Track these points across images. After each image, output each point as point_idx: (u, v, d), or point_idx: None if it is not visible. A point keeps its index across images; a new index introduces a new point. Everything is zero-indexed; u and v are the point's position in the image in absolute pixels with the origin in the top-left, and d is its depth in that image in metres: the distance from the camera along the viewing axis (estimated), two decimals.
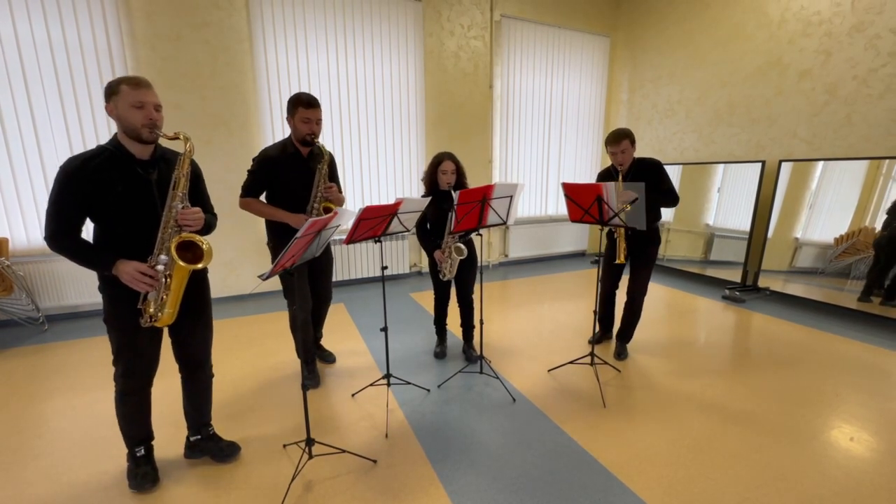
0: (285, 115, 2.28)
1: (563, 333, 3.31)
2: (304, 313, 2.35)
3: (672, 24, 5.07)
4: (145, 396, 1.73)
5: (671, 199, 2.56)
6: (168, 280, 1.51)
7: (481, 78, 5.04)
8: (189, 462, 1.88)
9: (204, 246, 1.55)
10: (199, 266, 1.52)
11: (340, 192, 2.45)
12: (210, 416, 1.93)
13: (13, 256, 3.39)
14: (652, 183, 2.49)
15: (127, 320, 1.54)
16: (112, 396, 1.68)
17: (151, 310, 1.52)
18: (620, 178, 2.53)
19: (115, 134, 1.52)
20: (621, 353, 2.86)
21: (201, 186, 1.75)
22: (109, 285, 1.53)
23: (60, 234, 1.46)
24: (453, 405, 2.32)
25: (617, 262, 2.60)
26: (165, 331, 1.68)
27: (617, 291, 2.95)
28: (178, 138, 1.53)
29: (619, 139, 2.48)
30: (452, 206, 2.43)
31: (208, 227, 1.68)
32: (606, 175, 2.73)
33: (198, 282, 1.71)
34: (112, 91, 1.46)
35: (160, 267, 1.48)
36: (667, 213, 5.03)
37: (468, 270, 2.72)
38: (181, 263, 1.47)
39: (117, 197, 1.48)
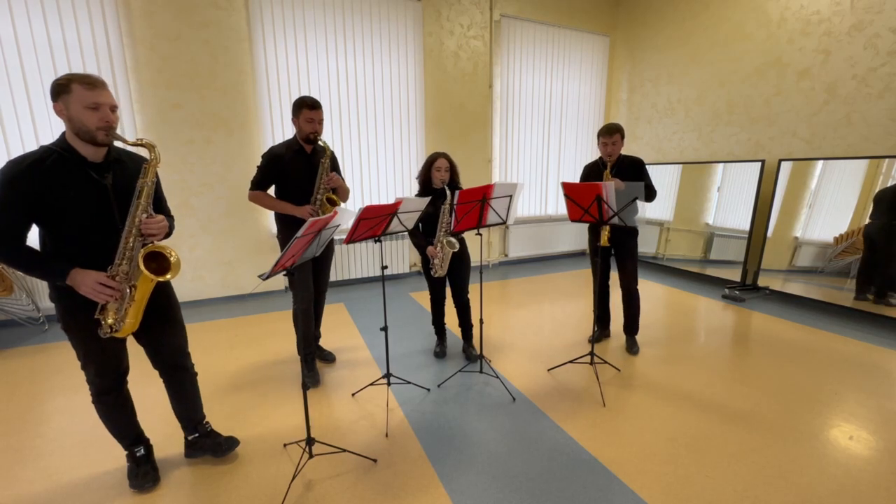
0: (290, 116, 2.42)
1: (562, 332, 3.31)
2: (304, 303, 2.40)
3: (671, 24, 5.06)
4: (123, 392, 1.68)
5: (650, 193, 2.74)
6: (132, 291, 1.44)
7: (481, 77, 5.04)
8: (189, 461, 1.88)
9: (172, 258, 1.50)
10: (167, 277, 1.47)
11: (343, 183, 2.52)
12: (202, 412, 1.92)
13: None
14: (633, 178, 2.72)
15: (89, 327, 1.45)
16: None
17: (110, 321, 1.43)
18: (608, 169, 2.70)
19: (63, 134, 1.40)
20: (632, 347, 2.91)
21: (159, 189, 1.66)
22: (64, 295, 1.44)
23: (1, 242, 1.34)
24: (453, 404, 2.32)
25: (600, 244, 2.66)
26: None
27: (611, 283, 3.00)
28: (141, 145, 1.46)
29: (611, 132, 2.67)
30: (446, 202, 2.47)
31: (169, 230, 1.63)
32: (594, 167, 2.90)
33: (161, 285, 1.62)
34: (62, 90, 1.33)
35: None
36: (666, 213, 5.06)
37: (460, 268, 2.72)
38: (149, 275, 1.42)
39: (70, 203, 1.37)
